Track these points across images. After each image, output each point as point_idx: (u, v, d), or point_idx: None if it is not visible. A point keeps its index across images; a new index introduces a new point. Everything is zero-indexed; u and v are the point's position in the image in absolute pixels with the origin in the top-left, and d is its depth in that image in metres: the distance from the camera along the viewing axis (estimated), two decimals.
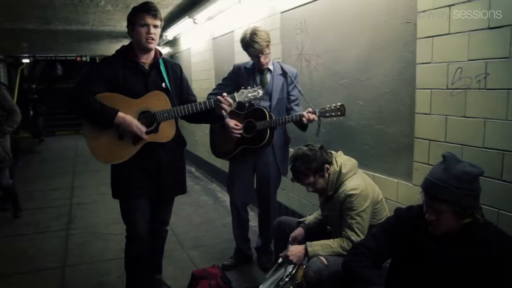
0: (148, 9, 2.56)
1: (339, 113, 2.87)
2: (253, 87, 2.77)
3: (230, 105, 2.67)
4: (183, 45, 8.10)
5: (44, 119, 13.34)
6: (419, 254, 1.85)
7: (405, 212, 2.01)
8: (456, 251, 1.76)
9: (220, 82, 3.47)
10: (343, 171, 2.49)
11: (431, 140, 2.50)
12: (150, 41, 2.60)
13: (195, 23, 6.19)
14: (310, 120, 2.95)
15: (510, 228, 2.04)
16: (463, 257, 1.74)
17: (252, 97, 2.75)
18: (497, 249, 1.70)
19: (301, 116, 2.95)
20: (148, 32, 2.58)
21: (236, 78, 3.32)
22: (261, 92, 2.76)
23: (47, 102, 13.93)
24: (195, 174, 7.51)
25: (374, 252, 2.02)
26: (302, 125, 3.06)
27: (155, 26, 2.61)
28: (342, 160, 2.54)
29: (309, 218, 2.84)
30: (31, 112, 12.44)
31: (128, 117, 2.53)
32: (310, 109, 2.96)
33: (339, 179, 2.50)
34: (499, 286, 1.70)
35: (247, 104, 3.00)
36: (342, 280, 2.27)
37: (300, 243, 2.63)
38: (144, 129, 2.57)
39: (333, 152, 2.61)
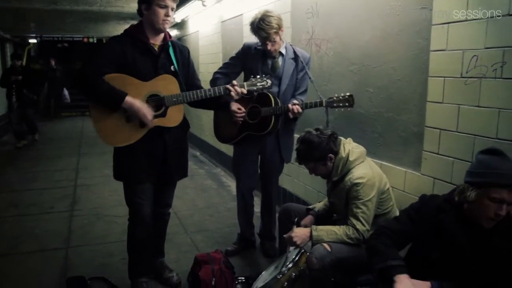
0: None
1: (347, 103, 2.80)
2: (263, 76, 2.77)
3: (238, 94, 2.65)
4: (191, 28, 8.02)
5: (35, 109, 9.38)
6: (447, 239, 1.85)
7: (430, 198, 2.02)
8: (487, 239, 1.76)
9: (228, 61, 3.36)
10: (351, 158, 2.45)
11: (442, 129, 2.44)
12: (166, 22, 2.57)
13: (204, 5, 6.12)
14: (295, 113, 2.90)
15: None
16: (493, 246, 1.75)
17: (261, 86, 2.76)
18: None
19: (287, 108, 2.91)
20: (167, 14, 2.54)
21: (245, 59, 3.23)
22: (269, 82, 2.77)
23: (38, 84, 9.74)
24: (200, 158, 7.49)
25: (396, 233, 1.99)
26: (291, 118, 3.01)
27: (172, 9, 2.58)
28: (350, 147, 2.50)
29: (318, 205, 2.81)
30: (14, 99, 8.43)
31: (136, 103, 2.50)
32: (294, 100, 2.94)
33: (346, 166, 2.46)
34: None
35: (255, 93, 2.95)
36: (344, 267, 2.27)
37: None
38: (151, 116, 2.53)
39: (342, 138, 2.57)
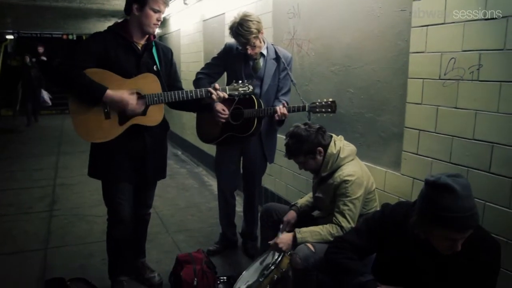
0: None
1: (329, 109, 2.84)
2: (245, 81, 2.78)
3: (220, 98, 2.67)
4: (172, 26, 7.97)
5: None
6: (402, 255, 1.84)
7: (391, 211, 1.96)
8: (440, 255, 1.75)
9: (210, 61, 3.33)
10: (341, 155, 2.48)
11: (421, 130, 2.48)
12: (156, 26, 2.59)
13: (185, 4, 6.11)
14: (280, 115, 2.92)
15: (497, 220, 2.06)
16: (447, 261, 1.74)
17: (242, 91, 2.77)
18: (481, 256, 1.70)
19: (274, 111, 2.94)
20: (159, 19, 2.56)
21: (227, 59, 3.21)
22: (251, 87, 2.78)
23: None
24: (181, 158, 7.46)
25: (356, 248, 2.00)
26: (277, 121, 3.03)
27: (163, 13, 2.60)
28: (341, 144, 2.53)
29: (301, 201, 2.84)
30: None
31: (117, 94, 2.46)
32: (283, 103, 2.99)
33: (336, 162, 2.48)
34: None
35: (236, 98, 2.94)
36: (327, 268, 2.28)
37: (293, 226, 2.65)
38: (135, 100, 2.50)
39: (333, 135, 2.59)
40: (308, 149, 2.50)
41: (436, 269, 1.78)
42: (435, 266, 1.78)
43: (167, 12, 7.20)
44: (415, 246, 1.79)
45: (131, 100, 2.49)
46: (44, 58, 12.40)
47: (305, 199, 2.86)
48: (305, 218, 2.75)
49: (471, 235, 1.65)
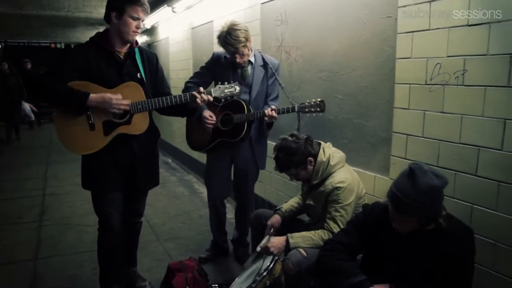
0: (142, 3, 2.51)
1: (318, 109, 2.86)
2: (231, 82, 2.75)
3: (205, 101, 2.64)
4: (161, 34, 7.98)
5: None
6: (386, 248, 1.92)
7: (371, 208, 2.09)
8: (420, 244, 1.84)
9: (198, 70, 3.34)
10: (332, 163, 2.50)
11: (409, 135, 2.52)
12: (136, 34, 2.56)
13: (173, 12, 6.12)
14: (271, 116, 2.94)
15: (484, 223, 2.09)
16: (427, 249, 1.82)
17: (229, 93, 2.73)
18: (458, 242, 1.79)
19: (263, 113, 2.95)
20: (138, 26, 2.53)
21: (215, 68, 3.22)
22: (238, 88, 2.75)
23: None
24: (172, 165, 7.44)
25: (347, 247, 2.05)
26: (267, 123, 3.04)
27: (143, 20, 2.58)
28: (330, 152, 2.54)
29: (285, 206, 2.85)
30: None
31: (99, 95, 2.44)
32: (272, 106, 2.99)
33: (327, 170, 2.50)
34: (460, 276, 1.80)
35: (223, 100, 2.94)
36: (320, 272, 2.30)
37: (277, 230, 2.66)
38: (119, 96, 2.48)
39: (321, 142, 2.61)
40: (298, 160, 2.50)
41: (415, 259, 1.85)
42: (414, 256, 1.85)
43: (155, 20, 7.23)
44: (395, 239, 1.88)
45: (114, 95, 2.46)
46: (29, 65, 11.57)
47: (290, 203, 2.87)
48: (292, 222, 2.77)
49: (447, 226, 1.78)
